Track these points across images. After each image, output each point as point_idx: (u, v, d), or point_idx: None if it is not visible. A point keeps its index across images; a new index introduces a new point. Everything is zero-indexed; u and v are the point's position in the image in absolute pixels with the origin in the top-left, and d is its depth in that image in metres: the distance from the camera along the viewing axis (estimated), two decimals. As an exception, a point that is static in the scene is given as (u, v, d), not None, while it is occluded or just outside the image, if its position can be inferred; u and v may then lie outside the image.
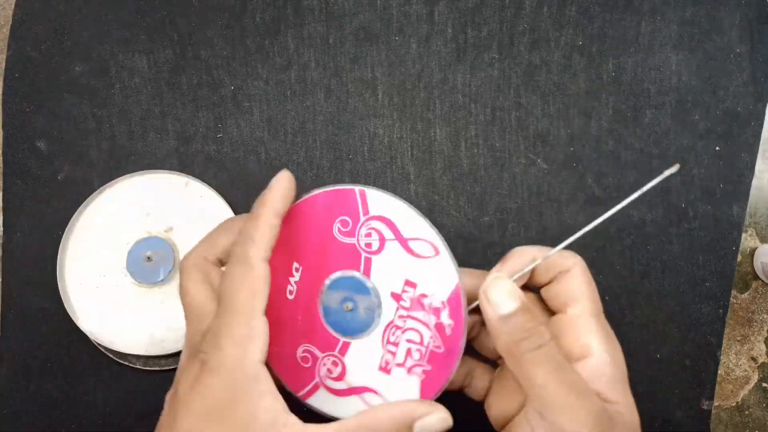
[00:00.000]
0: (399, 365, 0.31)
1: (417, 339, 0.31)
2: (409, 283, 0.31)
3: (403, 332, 0.31)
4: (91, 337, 0.41)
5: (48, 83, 0.43)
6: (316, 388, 0.32)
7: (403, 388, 0.31)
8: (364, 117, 0.43)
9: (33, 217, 0.43)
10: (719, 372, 0.45)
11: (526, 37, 0.43)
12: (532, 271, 0.30)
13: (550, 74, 0.43)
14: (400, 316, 0.31)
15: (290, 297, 0.31)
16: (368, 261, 0.31)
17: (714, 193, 0.42)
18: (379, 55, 0.43)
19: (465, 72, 0.43)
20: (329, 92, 0.43)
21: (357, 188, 0.30)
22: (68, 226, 0.42)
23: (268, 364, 0.28)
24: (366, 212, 0.30)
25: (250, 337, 0.25)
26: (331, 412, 0.32)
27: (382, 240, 0.30)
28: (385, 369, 0.31)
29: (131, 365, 0.42)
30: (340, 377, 0.32)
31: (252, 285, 0.26)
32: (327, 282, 0.31)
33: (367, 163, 0.43)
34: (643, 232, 0.43)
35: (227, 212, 0.42)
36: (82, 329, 0.41)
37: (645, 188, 0.25)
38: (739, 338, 1.22)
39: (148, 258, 0.41)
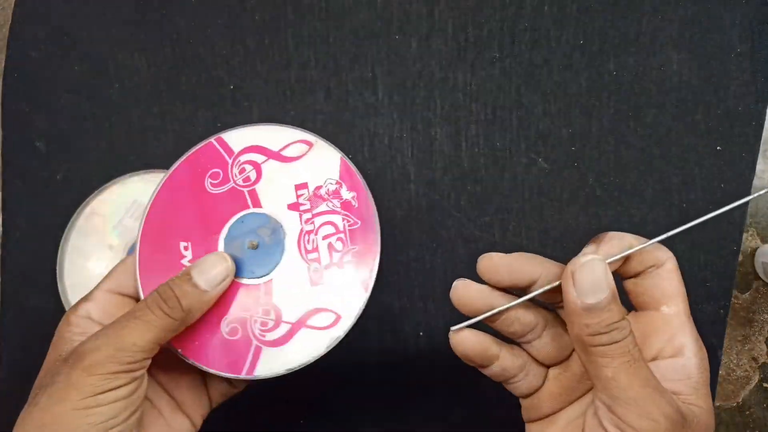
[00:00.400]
0: (328, 266, 0.30)
1: (332, 230, 0.30)
2: (299, 187, 0.30)
3: (317, 233, 0.30)
4: (91, 337, 0.41)
5: (47, 83, 0.43)
6: (258, 351, 0.30)
7: (343, 285, 0.30)
8: (364, 116, 0.43)
9: (32, 217, 0.43)
10: (720, 372, 0.44)
11: (527, 35, 0.42)
12: (624, 260, 0.28)
13: (551, 73, 0.42)
14: (307, 220, 0.30)
15: None
16: (253, 193, 0.30)
17: (715, 193, 0.42)
18: (379, 53, 0.43)
19: (466, 71, 0.43)
20: (329, 91, 0.43)
21: (213, 138, 0.30)
22: (68, 226, 0.41)
23: (203, 372, 0.29)
24: (230, 153, 0.30)
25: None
26: (283, 367, 0.30)
27: (257, 166, 0.30)
28: (318, 281, 0.30)
29: (131, 365, 0.42)
30: (277, 322, 0.30)
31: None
32: (221, 237, 0.30)
33: (367, 162, 0.43)
34: (644, 232, 0.42)
35: (227, 212, 0.42)
36: (81, 329, 0.41)
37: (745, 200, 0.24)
38: (740, 338, 1.22)
39: (148, 258, 0.41)
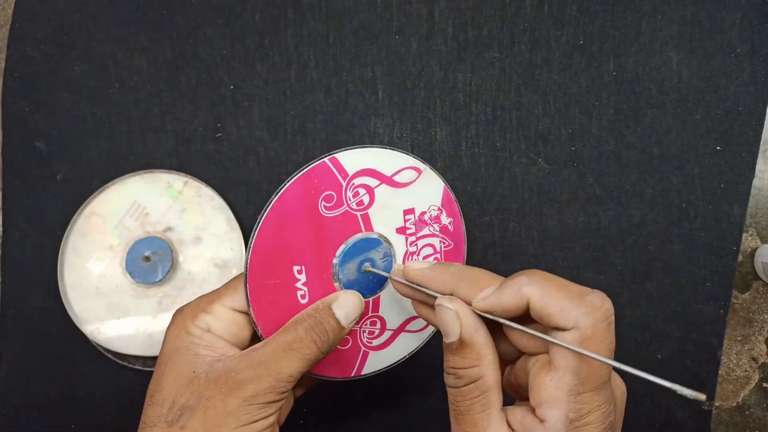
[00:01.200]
0: None
1: (431, 251, 0.33)
2: (407, 212, 0.32)
3: (419, 254, 0.33)
4: (91, 337, 0.41)
5: (47, 83, 0.43)
6: (365, 357, 0.33)
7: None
8: (364, 116, 0.43)
9: (33, 217, 0.43)
10: (720, 372, 0.44)
11: (526, 36, 0.42)
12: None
13: (551, 73, 0.42)
14: (411, 243, 0.32)
15: (303, 301, 0.30)
16: (365, 217, 0.31)
17: (715, 193, 0.42)
18: (379, 53, 0.43)
19: (465, 71, 0.43)
20: (329, 91, 0.43)
21: (327, 158, 0.29)
22: (68, 226, 0.41)
23: (309, 373, 0.29)
24: (345, 176, 0.30)
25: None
26: (386, 363, 0.34)
27: (371, 191, 0.31)
28: None
29: (130, 365, 0.42)
30: (381, 331, 0.33)
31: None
32: (336, 261, 0.31)
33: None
34: (644, 232, 0.42)
35: (226, 212, 0.42)
36: (81, 329, 0.41)
37: (666, 384, 0.23)
38: (739, 338, 1.22)
39: (147, 258, 0.41)
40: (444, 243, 0.33)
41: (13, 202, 0.43)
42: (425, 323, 0.34)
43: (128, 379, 0.43)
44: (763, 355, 1.20)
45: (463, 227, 0.34)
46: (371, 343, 0.33)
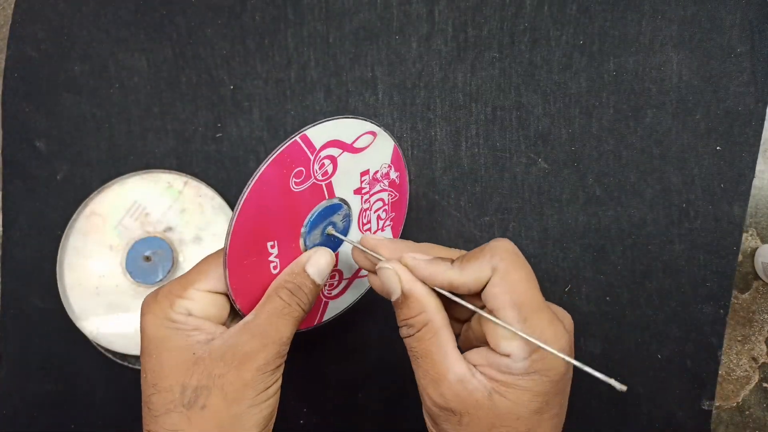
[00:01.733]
0: (375, 232, 0.36)
1: (381, 204, 0.36)
2: (363, 173, 0.34)
3: (371, 209, 0.35)
4: (91, 337, 0.41)
5: (47, 83, 0.43)
6: (325, 306, 0.35)
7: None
8: (364, 116, 0.43)
9: (32, 216, 0.43)
10: (720, 372, 0.44)
11: (526, 36, 0.42)
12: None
13: (551, 73, 0.42)
14: (365, 201, 0.35)
15: (275, 272, 0.32)
16: (329, 185, 0.32)
17: (715, 193, 0.42)
18: (379, 54, 0.43)
19: (465, 71, 0.43)
20: (329, 91, 0.43)
21: (298, 136, 0.30)
22: (68, 226, 0.41)
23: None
24: (313, 150, 0.31)
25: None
26: (339, 309, 0.37)
27: (334, 160, 0.32)
28: None
29: (130, 365, 0.42)
30: (339, 282, 0.36)
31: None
32: (303, 230, 0.32)
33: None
34: (644, 232, 0.42)
35: (227, 211, 0.42)
36: (81, 329, 0.41)
37: (596, 373, 0.25)
38: (739, 338, 1.22)
39: (147, 258, 0.41)
40: (391, 195, 0.36)
41: (13, 202, 0.43)
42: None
43: (128, 379, 0.43)
44: (763, 355, 1.20)
45: (406, 177, 0.37)
46: (330, 293, 0.36)
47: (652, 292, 0.43)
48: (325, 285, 0.35)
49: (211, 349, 0.28)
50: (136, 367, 0.42)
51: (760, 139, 0.42)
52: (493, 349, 0.27)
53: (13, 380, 0.43)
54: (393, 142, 0.35)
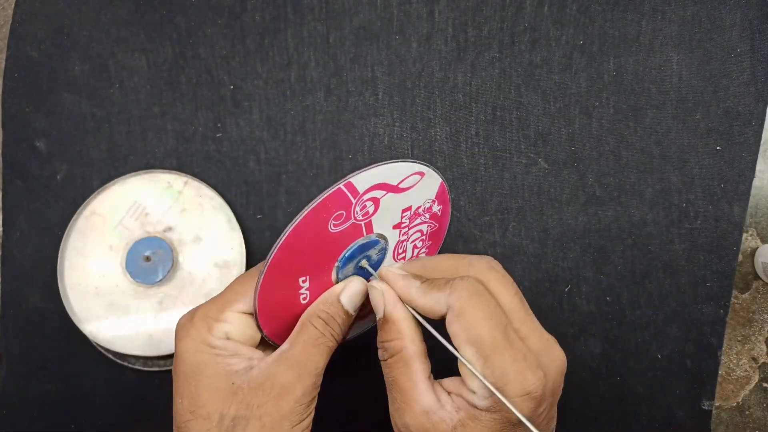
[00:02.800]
0: (410, 259, 0.35)
1: (419, 236, 0.35)
2: (405, 210, 0.33)
3: (409, 240, 0.35)
4: (91, 337, 0.41)
5: (47, 83, 0.43)
6: (353, 325, 0.35)
7: None
8: (365, 116, 0.43)
9: (32, 216, 0.43)
10: (720, 372, 0.44)
11: (526, 36, 0.42)
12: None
13: (551, 73, 0.42)
14: (403, 233, 0.34)
15: (304, 302, 0.32)
16: (369, 224, 0.32)
17: (715, 193, 0.42)
18: (379, 54, 0.43)
19: (465, 71, 0.43)
20: (329, 91, 0.43)
21: (342, 184, 0.30)
22: (68, 226, 0.41)
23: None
24: (356, 194, 0.31)
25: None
26: (358, 331, 0.36)
27: (377, 201, 0.32)
28: None
29: (130, 365, 0.42)
30: (369, 309, 0.35)
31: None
32: (335, 268, 0.32)
33: (368, 162, 0.43)
34: (644, 232, 0.42)
35: (227, 211, 0.42)
36: (81, 329, 0.41)
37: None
38: (739, 338, 1.22)
39: (147, 258, 0.41)
40: (431, 226, 0.36)
41: (13, 202, 0.43)
42: None
43: (128, 379, 0.43)
44: (763, 355, 1.20)
45: (449, 209, 0.36)
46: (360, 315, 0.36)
47: (652, 292, 0.43)
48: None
49: (250, 379, 0.28)
50: (136, 367, 0.42)
51: (760, 139, 0.42)
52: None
53: (13, 380, 0.43)
54: (440, 179, 0.34)
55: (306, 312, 0.31)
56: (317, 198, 0.29)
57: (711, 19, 0.42)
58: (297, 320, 0.31)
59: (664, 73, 0.42)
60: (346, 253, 0.32)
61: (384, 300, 0.29)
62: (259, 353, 0.30)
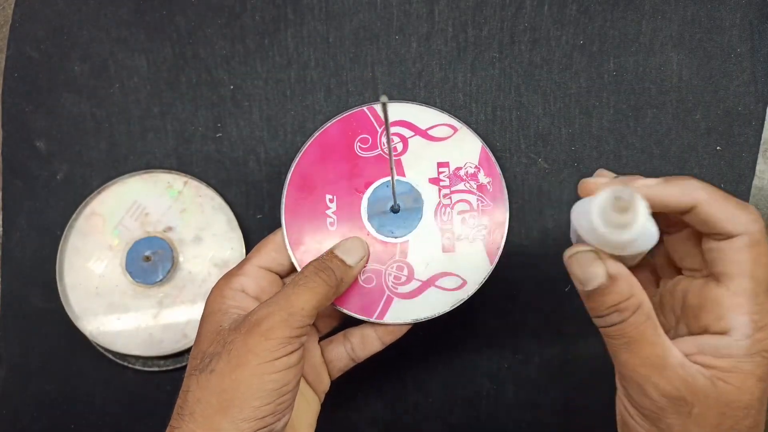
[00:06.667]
0: (460, 238, 0.33)
1: (467, 207, 0.34)
2: (441, 165, 0.33)
3: (453, 207, 0.33)
4: (90, 337, 0.41)
5: (47, 83, 0.43)
6: (389, 301, 0.33)
7: (471, 255, 0.33)
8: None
9: (32, 216, 0.43)
10: (720, 372, 0.44)
11: (526, 36, 0.42)
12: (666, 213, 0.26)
13: (551, 73, 0.42)
14: (445, 195, 0.33)
15: (332, 228, 0.32)
16: (398, 162, 0.33)
17: (715, 193, 0.42)
18: (379, 54, 0.43)
19: (465, 71, 0.43)
20: (329, 91, 0.43)
21: (365, 107, 0.32)
22: (67, 226, 0.41)
23: (333, 306, 0.32)
24: (381, 123, 0.32)
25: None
26: (411, 317, 0.33)
27: (404, 140, 0.32)
28: (450, 249, 0.33)
29: (130, 365, 0.42)
30: (409, 278, 0.33)
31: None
32: (366, 196, 0.33)
33: (367, 162, 0.43)
34: (644, 231, 0.42)
35: (227, 211, 0.42)
36: (81, 329, 0.41)
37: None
38: (739, 338, 1.21)
39: (147, 258, 0.41)
40: (482, 201, 0.34)
41: (13, 202, 0.43)
42: (460, 282, 0.33)
43: (128, 379, 0.43)
44: (763, 355, 1.20)
45: (504, 188, 0.34)
46: (396, 288, 0.33)
47: (652, 292, 0.43)
48: (390, 275, 0.33)
49: (232, 321, 0.29)
50: (136, 367, 0.42)
51: (760, 139, 0.42)
52: (704, 332, 0.25)
53: (13, 380, 0.43)
54: (480, 143, 0.34)
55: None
56: (341, 113, 0.30)
57: (711, 19, 0.42)
58: (322, 251, 0.32)
59: (664, 73, 0.42)
60: (376, 185, 0.32)
61: (603, 260, 0.25)
62: None
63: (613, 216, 0.23)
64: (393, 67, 0.43)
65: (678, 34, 0.42)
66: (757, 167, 0.42)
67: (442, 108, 0.38)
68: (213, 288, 0.32)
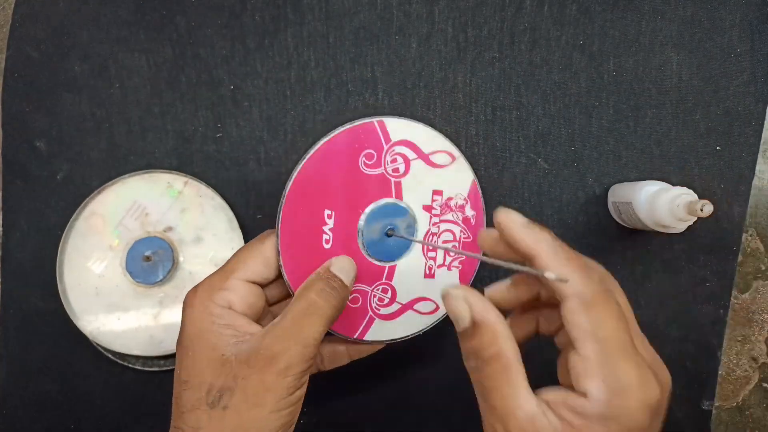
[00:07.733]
0: (440, 266, 0.35)
1: (450, 237, 0.35)
2: (436, 192, 0.34)
3: (439, 236, 0.35)
4: (90, 337, 0.41)
5: (47, 83, 0.43)
6: (371, 321, 0.34)
7: (450, 282, 0.34)
8: (364, 116, 0.43)
9: (32, 217, 0.43)
10: (720, 372, 0.44)
11: (526, 36, 0.42)
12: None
13: (551, 73, 0.42)
14: (434, 224, 0.34)
15: (327, 246, 0.32)
16: (398, 185, 0.33)
17: (714, 193, 0.42)
18: (379, 54, 0.43)
19: (465, 71, 0.43)
20: (329, 91, 0.43)
21: (375, 120, 0.31)
22: (67, 226, 0.41)
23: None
24: (388, 140, 0.32)
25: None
26: (387, 337, 0.35)
27: (407, 162, 0.33)
28: (430, 275, 0.35)
29: (130, 365, 0.42)
30: (391, 301, 0.34)
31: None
32: (364, 216, 0.33)
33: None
34: (644, 232, 0.42)
35: (227, 211, 0.42)
36: (81, 329, 0.41)
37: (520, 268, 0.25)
38: (739, 338, 1.22)
39: (147, 258, 0.41)
40: (464, 234, 0.35)
41: (13, 202, 0.43)
42: (433, 308, 0.35)
43: (128, 379, 0.43)
44: (763, 355, 1.20)
45: (484, 223, 0.36)
46: (379, 310, 0.34)
47: (652, 293, 0.43)
48: (375, 297, 0.34)
49: (238, 352, 0.28)
50: (136, 367, 0.42)
51: (760, 139, 0.42)
52: (570, 389, 0.25)
53: (13, 380, 0.43)
54: (472, 176, 0.35)
55: (301, 285, 0.31)
56: (350, 122, 0.30)
57: (711, 19, 0.42)
58: (314, 268, 0.32)
59: (664, 73, 0.42)
60: (375, 206, 0.32)
61: (470, 304, 0.26)
62: (256, 327, 0.30)
63: (681, 214, 0.33)
64: (393, 67, 0.43)
65: (678, 35, 0.42)
66: (757, 167, 0.42)
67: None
68: (192, 300, 0.30)
